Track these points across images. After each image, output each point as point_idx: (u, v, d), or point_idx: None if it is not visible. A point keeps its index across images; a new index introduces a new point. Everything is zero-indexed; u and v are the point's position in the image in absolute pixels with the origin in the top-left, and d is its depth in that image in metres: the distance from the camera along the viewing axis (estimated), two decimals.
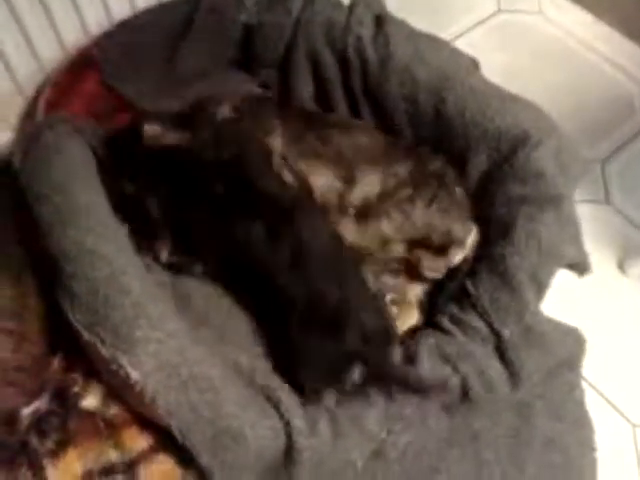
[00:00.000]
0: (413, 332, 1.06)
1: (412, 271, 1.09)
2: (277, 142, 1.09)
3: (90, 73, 1.20)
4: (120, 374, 0.83)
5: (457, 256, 1.06)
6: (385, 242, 1.06)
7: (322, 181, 1.07)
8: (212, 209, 0.98)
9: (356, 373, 0.93)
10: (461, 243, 1.06)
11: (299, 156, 1.09)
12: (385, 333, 0.96)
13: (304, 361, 0.94)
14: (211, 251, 1.02)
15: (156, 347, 0.84)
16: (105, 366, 0.84)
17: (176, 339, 0.86)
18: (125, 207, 1.01)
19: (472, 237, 1.07)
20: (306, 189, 1.06)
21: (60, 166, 0.97)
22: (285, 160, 1.07)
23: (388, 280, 1.10)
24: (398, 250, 1.06)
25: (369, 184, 1.08)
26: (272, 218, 0.95)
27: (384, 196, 1.07)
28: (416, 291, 1.09)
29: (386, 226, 1.05)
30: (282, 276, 0.94)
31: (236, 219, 0.97)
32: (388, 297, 1.09)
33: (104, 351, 0.83)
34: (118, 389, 0.87)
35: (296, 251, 0.94)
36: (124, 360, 0.82)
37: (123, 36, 1.22)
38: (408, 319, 1.07)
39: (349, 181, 1.08)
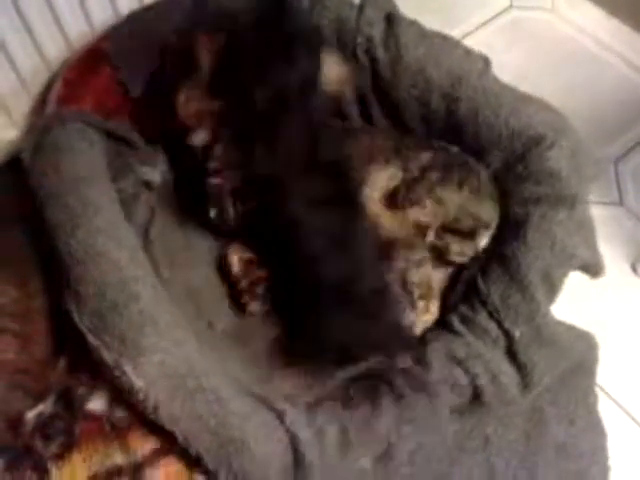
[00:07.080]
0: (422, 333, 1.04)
1: (434, 261, 1.08)
2: None
3: (101, 68, 1.17)
4: (123, 381, 0.82)
5: (484, 239, 1.06)
6: (420, 229, 1.05)
7: None
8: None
9: (351, 371, 0.94)
10: (488, 226, 1.05)
11: None
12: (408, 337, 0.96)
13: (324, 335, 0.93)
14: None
15: (162, 357, 0.83)
16: (109, 372, 0.84)
17: (183, 348, 0.85)
18: None
19: (497, 219, 1.06)
20: None
21: (72, 165, 0.95)
22: None
23: (413, 275, 1.08)
24: (430, 236, 1.05)
25: (379, 181, 1.07)
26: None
27: (412, 183, 1.06)
28: (437, 283, 1.08)
29: (420, 212, 1.05)
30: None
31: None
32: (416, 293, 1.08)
33: (108, 357, 0.83)
34: (122, 393, 0.85)
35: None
36: (128, 367, 0.81)
37: (134, 28, 1.19)
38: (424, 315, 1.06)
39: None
